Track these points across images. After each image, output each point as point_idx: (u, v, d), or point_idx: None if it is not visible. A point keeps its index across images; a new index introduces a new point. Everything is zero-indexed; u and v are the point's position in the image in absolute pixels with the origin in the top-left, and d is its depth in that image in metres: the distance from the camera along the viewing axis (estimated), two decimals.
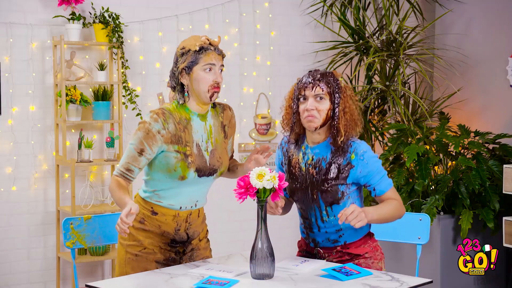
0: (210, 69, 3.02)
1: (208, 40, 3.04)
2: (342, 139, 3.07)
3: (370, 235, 3.20)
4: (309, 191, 3.12)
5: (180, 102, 3.05)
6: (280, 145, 3.30)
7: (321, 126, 3.09)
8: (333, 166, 3.09)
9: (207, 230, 3.29)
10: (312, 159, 3.14)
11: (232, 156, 3.31)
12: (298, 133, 3.19)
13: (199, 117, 3.07)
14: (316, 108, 3.07)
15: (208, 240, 3.30)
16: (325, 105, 3.08)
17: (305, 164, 3.15)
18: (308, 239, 3.22)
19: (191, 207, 3.12)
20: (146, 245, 3.09)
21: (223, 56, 3.06)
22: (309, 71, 3.16)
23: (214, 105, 3.15)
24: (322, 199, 3.09)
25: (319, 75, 3.10)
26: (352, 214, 2.87)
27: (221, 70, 3.06)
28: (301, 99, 3.10)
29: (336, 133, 3.08)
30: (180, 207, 3.09)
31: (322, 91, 3.07)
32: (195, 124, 3.06)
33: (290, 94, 3.19)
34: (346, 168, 3.08)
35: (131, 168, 2.99)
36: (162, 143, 2.98)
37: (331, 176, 3.09)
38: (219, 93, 3.03)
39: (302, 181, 3.14)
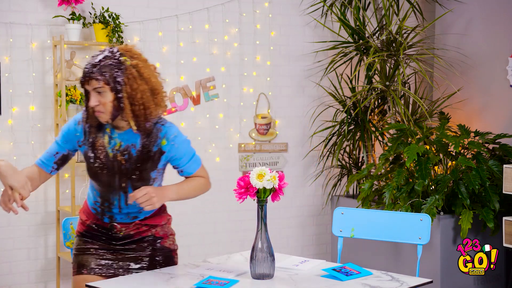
0: None
1: None
2: (135, 128, 2.90)
3: (162, 205, 3.16)
4: (117, 178, 2.98)
5: None
6: (80, 120, 3.02)
7: (115, 117, 2.90)
8: (143, 153, 2.97)
9: None
10: (120, 145, 2.97)
11: None
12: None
13: None
14: (99, 102, 2.86)
15: None
16: (107, 97, 2.86)
17: (112, 149, 2.97)
18: (103, 216, 3.06)
19: None
20: None
21: None
22: (92, 56, 2.90)
23: None
24: (132, 187, 2.99)
25: (93, 66, 2.84)
26: (143, 197, 2.86)
27: None
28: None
29: (128, 122, 2.91)
30: None
31: (99, 83, 2.84)
32: None
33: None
34: (158, 155, 3.00)
35: None
36: None
37: (142, 163, 2.97)
38: None
39: (110, 167, 2.97)
